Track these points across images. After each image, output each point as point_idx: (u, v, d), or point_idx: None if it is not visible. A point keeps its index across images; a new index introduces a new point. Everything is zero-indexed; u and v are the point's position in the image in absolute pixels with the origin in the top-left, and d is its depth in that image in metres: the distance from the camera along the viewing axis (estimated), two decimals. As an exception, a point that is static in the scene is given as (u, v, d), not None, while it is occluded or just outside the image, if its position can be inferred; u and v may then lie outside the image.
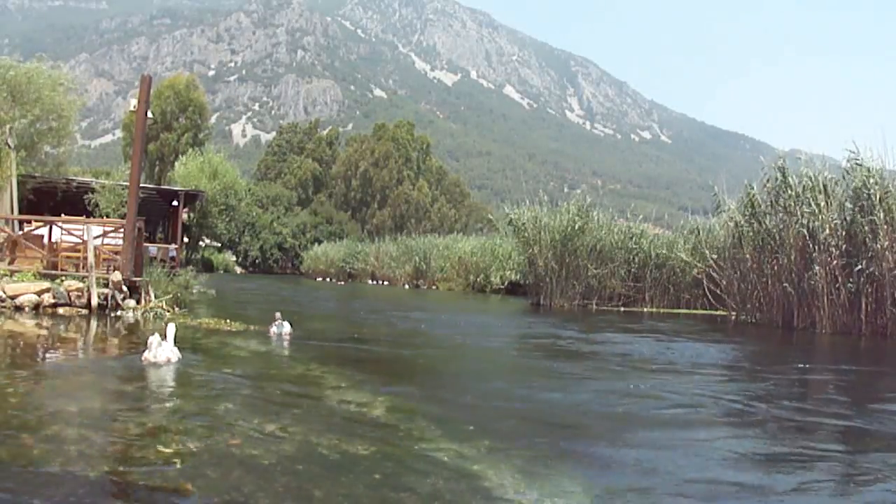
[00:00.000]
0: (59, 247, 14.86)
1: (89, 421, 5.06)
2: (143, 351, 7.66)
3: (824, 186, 17.35)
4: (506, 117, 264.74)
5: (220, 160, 36.82)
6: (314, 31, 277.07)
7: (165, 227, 29.41)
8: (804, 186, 17.64)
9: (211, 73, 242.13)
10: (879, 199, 15.99)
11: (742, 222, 19.41)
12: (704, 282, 22.14)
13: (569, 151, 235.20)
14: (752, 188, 19.52)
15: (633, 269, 24.69)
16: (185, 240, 31.86)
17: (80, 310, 12.52)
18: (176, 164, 38.68)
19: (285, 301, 21.93)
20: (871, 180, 16.26)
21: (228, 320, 11.98)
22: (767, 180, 19.00)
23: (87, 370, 7.53)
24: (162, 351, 7.57)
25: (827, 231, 16.70)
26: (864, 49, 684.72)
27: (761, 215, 18.74)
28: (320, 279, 51.97)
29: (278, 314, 10.97)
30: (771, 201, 18.65)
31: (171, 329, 7.81)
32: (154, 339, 7.66)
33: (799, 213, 17.39)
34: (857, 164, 16.74)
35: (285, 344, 10.23)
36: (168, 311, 13.10)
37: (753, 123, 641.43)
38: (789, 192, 17.95)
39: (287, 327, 10.75)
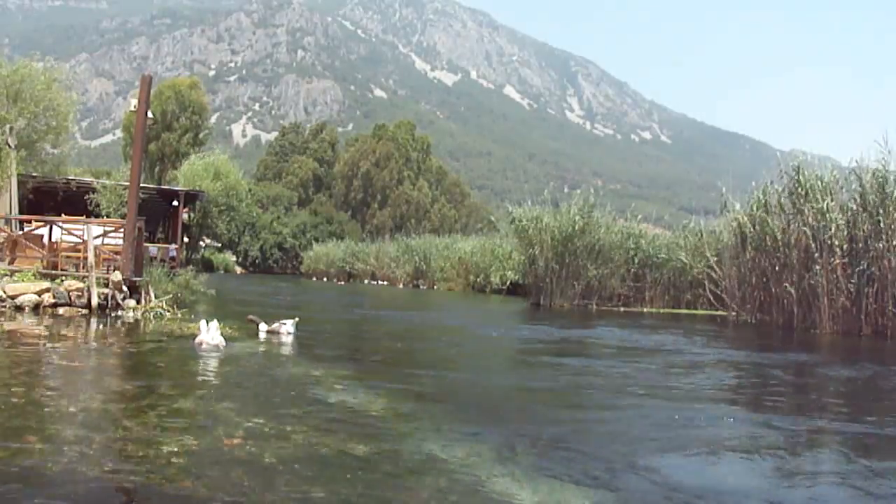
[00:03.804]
0: (60, 247, 14.85)
1: (89, 421, 5.05)
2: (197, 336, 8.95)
3: (830, 187, 17.37)
4: (506, 117, 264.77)
5: (225, 161, 36.82)
6: (314, 31, 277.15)
7: (166, 227, 29.41)
8: (811, 187, 17.65)
9: (211, 73, 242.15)
10: (886, 199, 15.98)
11: (746, 222, 19.38)
12: (706, 282, 22.16)
13: (569, 151, 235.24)
14: (768, 188, 19.28)
15: (632, 269, 24.70)
16: (186, 240, 31.84)
17: (80, 310, 12.51)
18: (184, 163, 38.61)
19: (286, 301, 21.93)
20: (878, 181, 16.28)
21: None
22: (782, 179, 18.75)
23: (87, 370, 7.53)
24: (216, 335, 8.78)
25: (831, 231, 16.70)
26: (863, 49, 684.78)
27: (772, 215, 18.66)
28: (318, 279, 51.98)
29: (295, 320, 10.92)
30: (779, 202, 18.61)
31: (214, 324, 8.99)
32: (203, 325, 8.95)
33: (805, 212, 17.39)
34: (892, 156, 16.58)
35: (287, 342, 10.21)
36: (168, 311, 13.09)
37: (753, 123, 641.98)
38: (799, 191, 17.94)
39: (289, 326, 10.71)
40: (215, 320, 9.19)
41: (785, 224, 18.05)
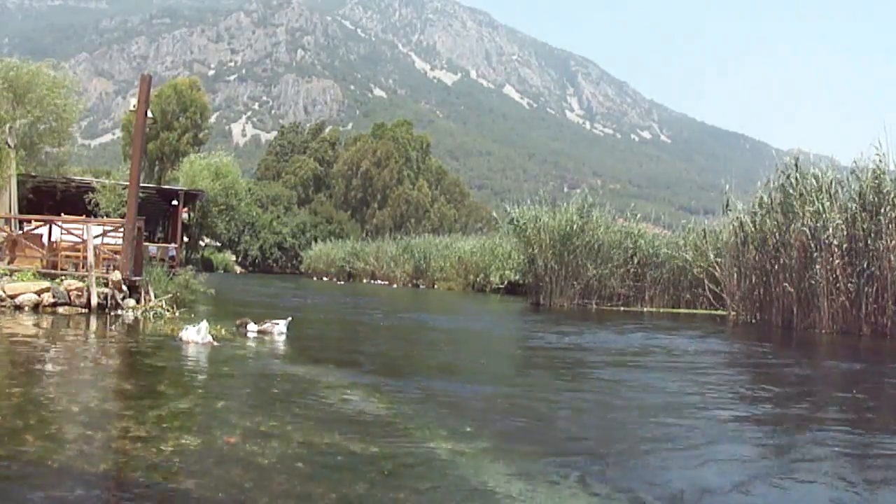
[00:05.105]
0: (59, 246, 14.85)
1: (89, 419, 5.05)
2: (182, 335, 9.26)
3: (829, 186, 17.35)
4: (506, 117, 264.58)
5: (226, 162, 36.81)
6: (314, 30, 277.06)
7: (165, 227, 29.40)
8: (809, 186, 17.63)
9: (211, 72, 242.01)
10: (887, 199, 15.98)
11: (747, 222, 19.36)
12: (706, 282, 22.15)
13: (569, 151, 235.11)
14: (772, 186, 19.19)
15: (632, 269, 24.70)
16: (185, 239, 31.84)
17: (79, 309, 12.51)
18: (184, 162, 38.54)
19: (287, 301, 21.92)
20: (878, 180, 16.29)
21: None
22: (785, 177, 18.67)
23: (86, 369, 7.53)
24: (204, 332, 9.07)
25: (830, 231, 16.69)
26: (863, 49, 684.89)
27: (774, 214, 18.62)
28: (318, 279, 51.96)
29: (287, 320, 10.91)
30: (781, 200, 18.58)
31: (203, 324, 9.26)
32: (187, 327, 9.34)
33: (803, 212, 17.37)
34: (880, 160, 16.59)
35: (279, 342, 10.18)
36: (168, 311, 13.09)
37: (753, 123, 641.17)
38: (792, 192, 17.90)
39: (282, 326, 10.64)
40: (204, 321, 9.36)
41: (785, 224, 18.03)
